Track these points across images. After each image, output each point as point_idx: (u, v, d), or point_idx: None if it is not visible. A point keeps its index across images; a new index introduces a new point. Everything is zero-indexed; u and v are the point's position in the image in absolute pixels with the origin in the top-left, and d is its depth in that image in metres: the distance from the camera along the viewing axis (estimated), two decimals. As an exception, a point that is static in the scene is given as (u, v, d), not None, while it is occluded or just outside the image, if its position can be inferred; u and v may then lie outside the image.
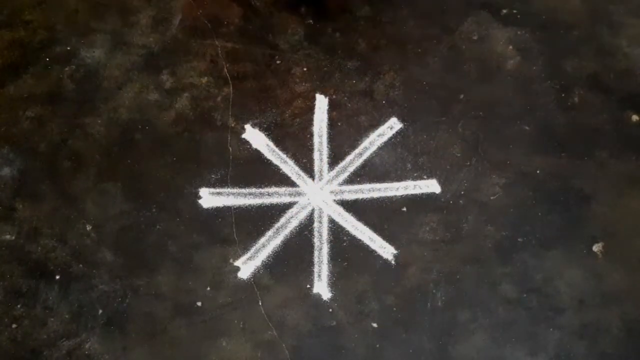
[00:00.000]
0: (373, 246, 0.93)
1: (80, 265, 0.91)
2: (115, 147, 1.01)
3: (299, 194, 0.97)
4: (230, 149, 1.00)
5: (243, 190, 0.97)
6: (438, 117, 1.03)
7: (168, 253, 0.92)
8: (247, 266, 0.91)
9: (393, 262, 0.92)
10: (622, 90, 1.06)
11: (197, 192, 0.96)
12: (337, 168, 0.99)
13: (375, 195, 0.97)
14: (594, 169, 0.99)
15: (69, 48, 1.10)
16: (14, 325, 0.87)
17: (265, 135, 1.01)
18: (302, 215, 0.95)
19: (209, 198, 0.96)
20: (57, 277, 0.90)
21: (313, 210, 0.96)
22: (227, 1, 1.14)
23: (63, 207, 0.95)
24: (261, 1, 1.14)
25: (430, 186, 0.98)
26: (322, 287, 0.90)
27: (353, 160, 1.00)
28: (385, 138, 1.02)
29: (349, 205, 0.96)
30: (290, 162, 0.99)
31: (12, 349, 0.85)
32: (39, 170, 0.99)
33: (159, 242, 0.93)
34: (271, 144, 1.00)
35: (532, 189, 0.97)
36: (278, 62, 1.07)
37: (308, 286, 0.90)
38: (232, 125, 1.02)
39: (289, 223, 0.94)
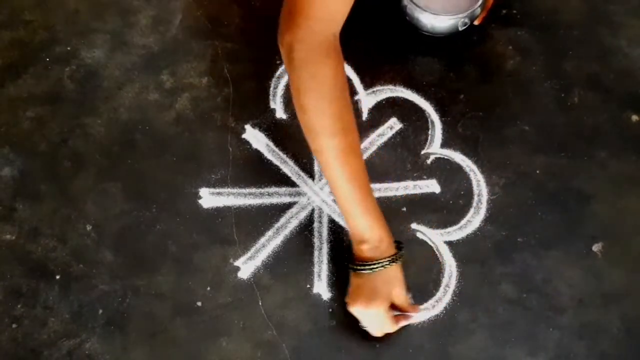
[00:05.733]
0: (373, 246, 0.93)
1: (80, 265, 0.91)
2: (115, 147, 1.01)
3: (299, 194, 0.97)
4: (230, 149, 1.00)
5: (243, 190, 0.97)
6: (438, 117, 1.03)
7: (168, 253, 0.92)
8: (247, 266, 0.91)
9: (393, 262, 0.92)
10: (622, 90, 1.06)
11: (197, 192, 0.97)
12: (337, 168, 0.99)
13: (375, 195, 0.96)
14: (594, 169, 0.99)
15: (69, 48, 1.10)
16: (14, 325, 0.87)
17: (265, 135, 1.01)
18: (302, 215, 0.95)
19: (209, 198, 0.96)
20: (57, 277, 0.90)
21: (313, 210, 0.96)
22: (228, 1, 1.14)
23: (63, 207, 0.95)
24: (261, 1, 1.14)
25: (430, 186, 0.98)
26: (322, 287, 0.90)
27: (353, 160, 1.00)
28: (385, 138, 1.02)
29: (349, 205, 0.96)
30: (290, 162, 0.99)
31: (12, 349, 0.85)
32: (39, 170, 0.99)
33: (159, 242, 0.93)
34: (271, 144, 1.01)
35: (532, 189, 0.97)
36: (278, 62, 1.07)
37: (308, 286, 0.90)
38: (232, 125, 1.02)
39: (289, 223, 0.94)
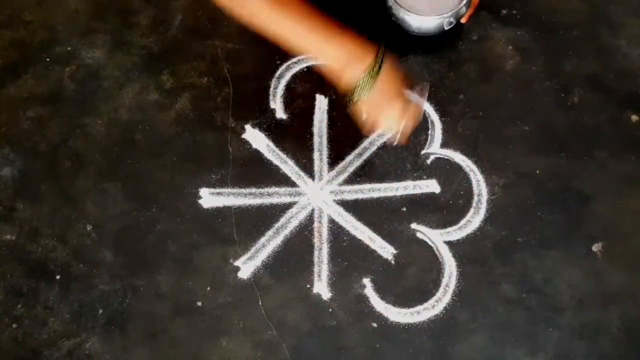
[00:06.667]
0: (373, 246, 0.93)
1: (81, 265, 0.91)
2: (115, 147, 1.01)
3: (299, 194, 0.97)
4: (230, 149, 1.00)
5: (243, 190, 0.97)
6: (438, 117, 1.04)
7: (168, 253, 0.92)
8: (247, 266, 0.91)
9: (393, 262, 0.92)
10: (622, 90, 1.06)
11: (197, 192, 0.97)
12: (337, 168, 0.99)
13: (375, 195, 0.97)
14: (594, 169, 0.99)
15: (69, 48, 1.10)
16: (14, 325, 0.87)
17: (265, 135, 1.01)
18: (302, 215, 0.95)
19: (209, 198, 0.96)
20: (58, 277, 0.90)
21: (313, 210, 0.96)
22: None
23: (63, 207, 0.96)
24: (261, 1, 1.14)
25: (430, 186, 0.98)
26: (322, 287, 0.90)
27: (353, 160, 1.00)
28: (385, 138, 1.02)
29: (349, 205, 0.96)
30: (290, 162, 0.99)
31: (12, 349, 0.85)
32: (39, 170, 0.99)
33: (159, 242, 0.93)
34: (271, 144, 1.01)
35: (532, 189, 0.97)
36: (278, 62, 1.07)
37: (308, 286, 0.90)
38: (232, 125, 1.02)
39: (289, 223, 0.95)
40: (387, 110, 0.81)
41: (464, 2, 1.03)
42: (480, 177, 0.98)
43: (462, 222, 0.94)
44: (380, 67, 0.78)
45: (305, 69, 1.08)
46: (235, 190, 0.97)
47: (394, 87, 0.82)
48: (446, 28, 1.05)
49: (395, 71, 0.82)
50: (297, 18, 0.76)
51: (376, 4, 1.11)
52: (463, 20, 1.07)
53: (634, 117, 1.04)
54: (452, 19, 1.03)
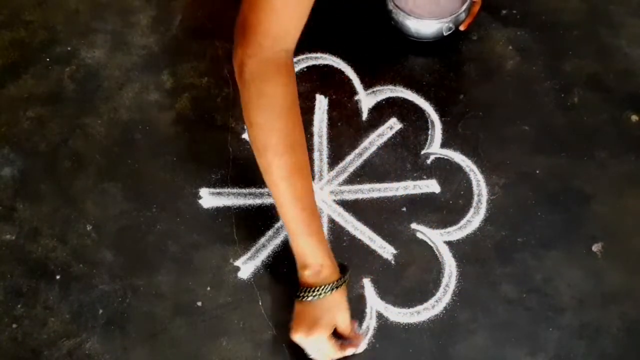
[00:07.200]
0: (373, 246, 0.93)
1: (81, 265, 0.91)
2: (115, 147, 1.01)
3: (299, 194, 0.97)
4: (230, 149, 1.00)
5: (243, 190, 0.97)
6: (438, 117, 1.04)
7: (168, 253, 0.92)
8: (247, 266, 0.91)
9: (393, 262, 0.92)
10: (622, 90, 1.06)
11: (197, 192, 0.97)
12: (337, 168, 0.99)
13: (375, 195, 0.97)
14: (594, 169, 0.99)
15: (69, 48, 1.10)
16: (14, 325, 0.87)
17: (265, 135, 1.01)
18: (302, 215, 0.95)
19: (209, 198, 0.96)
20: (58, 277, 0.90)
21: (313, 210, 0.95)
22: (228, 1, 1.15)
23: (63, 207, 0.96)
24: (261, 1, 1.14)
25: (430, 186, 0.98)
26: (322, 287, 0.90)
27: (353, 160, 1.00)
28: (385, 138, 1.02)
29: (349, 205, 0.96)
30: (290, 162, 0.99)
31: (12, 349, 0.85)
32: (39, 170, 0.99)
33: (159, 242, 0.93)
34: (271, 144, 1.00)
35: (532, 189, 0.97)
36: (278, 62, 1.07)
37: (308, 286, 0.90)
38: (232, 125, 1.02)
39: (289, 223, 0.94)
40: (319, 330, 0.77)
41: (464, 8, 1.03)
42: (480, 177, 0.98)
43: (462, 222, 0.94)
44: (339, 286, 0.77)
45: (305, 69, 1.08)
46: (235, 190, 0.97)
47: (337, 314, 0.78)
48: (445, 34, 1.05)
49: (347, 311, 0.79)
50: (297, 200, 0.74)
51: (376, 8, 1.11)
52: (462, 28, 1.07)
53: (634, 117, 1.04)
54: (451, 24, 1.04)
